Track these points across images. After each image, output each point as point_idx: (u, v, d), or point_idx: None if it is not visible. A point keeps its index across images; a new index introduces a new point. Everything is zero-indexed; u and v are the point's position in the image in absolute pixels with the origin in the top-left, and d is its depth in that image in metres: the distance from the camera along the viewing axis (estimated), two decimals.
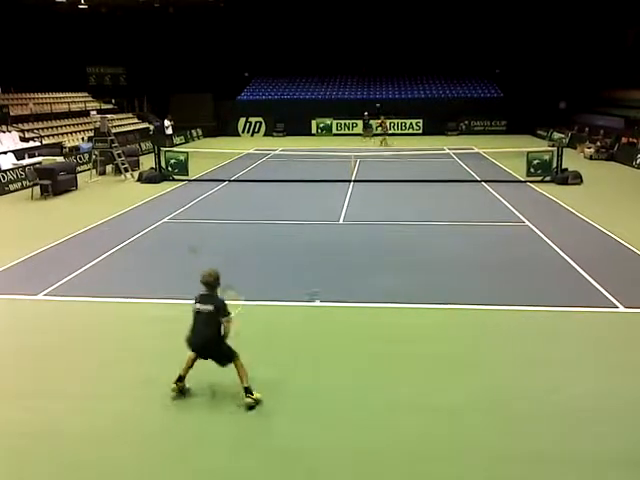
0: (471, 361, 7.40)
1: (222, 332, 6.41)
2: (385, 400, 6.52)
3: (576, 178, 19.68)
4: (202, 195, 18.39)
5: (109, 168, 23.24)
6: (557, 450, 5.60)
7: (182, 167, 21.50)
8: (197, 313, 6.47)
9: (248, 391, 6.40)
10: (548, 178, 19.96)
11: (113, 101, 38.12)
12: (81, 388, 6.85)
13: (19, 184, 20.20)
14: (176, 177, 21.33)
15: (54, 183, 18.80)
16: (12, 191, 19.78)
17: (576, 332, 8.23)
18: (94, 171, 22.66)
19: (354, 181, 20.45)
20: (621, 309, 8.86)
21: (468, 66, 41.26)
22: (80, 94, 36.29)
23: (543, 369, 7.14)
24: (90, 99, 36.51)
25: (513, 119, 38.18)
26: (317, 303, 9.25)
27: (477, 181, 20.43)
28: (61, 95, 34.03)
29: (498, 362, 7.37)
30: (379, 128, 34.09)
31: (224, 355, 6.49)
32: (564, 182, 19.49)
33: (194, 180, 21.26)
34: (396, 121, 38.76)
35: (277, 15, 39.83)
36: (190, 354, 6.56)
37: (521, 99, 37.80)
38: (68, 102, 33.32)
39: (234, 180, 21.40)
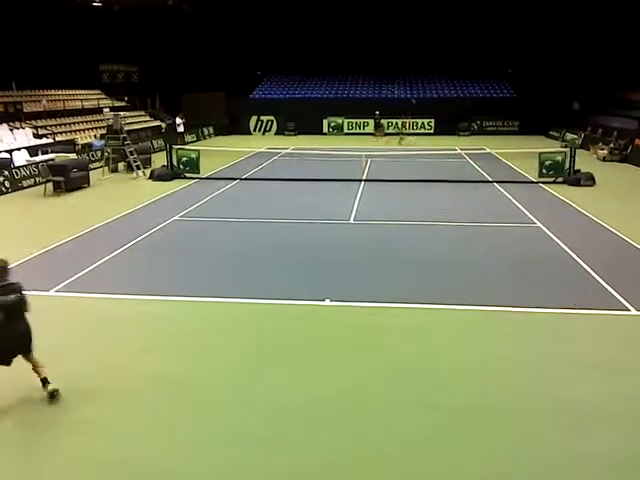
0: (478, 361, 7.37)
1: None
2: (388, 398, 6.51)
3: (589, 180, 19.54)
4: (213, 193, 18.44)
5: (121, 165, 23.37)
6: (563, 451, 5.57)
7: (193, 165, 21.57)
8: (5, 306, 6.03)
9: (45, 382, 6.40)
10: (560, 179, 19.84)
11: (126, 99, 38.33)
12: (93, 384, 6.90)
13: (32, 180, 20.36)
14: (187, 175, 21.41)
15: (67, 180, 18.94)
16: (25, 187, 19.94)
17: (587, 334, 8.17)
18: (106, 168, 22.79)
19: (365, 180, 20.43)
20: (633, 312, 8.79)
21: (480, 66, 41.09)
22: (93, 91, 36.52)
23: (551, 370, 7.10)
24: (103, 96, 36.72)
25: (526, 119, 37.98)
26: (327, 302, 9.26)
27: (489, 182, 20.34)
28: (74, 92, 34.26)
29: (506, 363, 7.34)
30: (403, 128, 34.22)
31: (29, 341, 6.35)
32: (577, 183, 19.36)
33: (205, 178, 21.33)
34: (408, 121, 38.73)
35: (290, 14, 39.83)
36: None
37: (534, 99, 37.60)
38: (81, 99, 33.54)
39: (245, 178, 21.44)
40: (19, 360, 6.46)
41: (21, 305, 6.17)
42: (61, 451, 5.70)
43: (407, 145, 30.83)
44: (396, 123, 34.44)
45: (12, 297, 6.10)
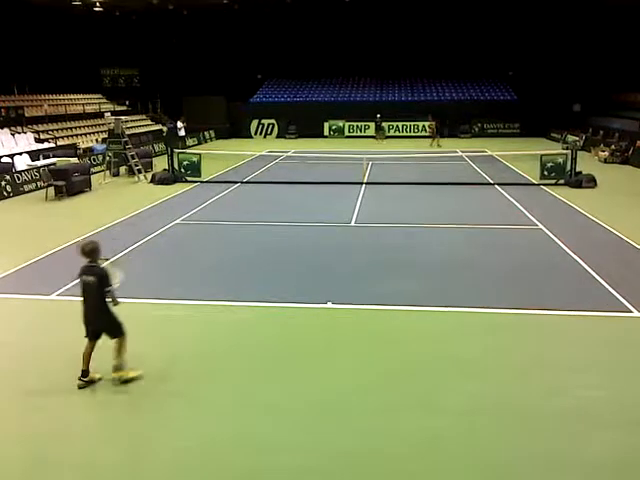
0: (481, 364, 7.36)
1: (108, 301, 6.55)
2: (390, 402, 6.50)
3: (590, 181, 19.53)
4: (215, 197, 18.45)
5: (123, 169, 23.39)
6: (565, 454, 5.55)
7: (195, 169, 21.59)
8: (83, 285, 6.57)
9: (117, 369, 6.71)
10: (562, 181, 19.83)
11: (127, 103, 38.43)
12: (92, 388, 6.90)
13: (34, 185, 20.38)
14: (189, 179, 21.43)
15: (68, 184, 18.95)
16: (27, 192, 19.96)
17: (589, 336, 8.15)
18: (108, 172, 22.81)
19: (366, 183, 20.44)
20: (635, 313, 8.77)
21: (481, 68, 41.14)
22: (94, 96, 36.63)
23: (553, 373, 7.08)
24: (104, 101, 36.83)
25: (527, 122, 38.01)
26: (329, 305, 9.25)
27: (490, 184, 20.34)
28: (76, 97, 34.36)
29: (508, 365, 7.32)
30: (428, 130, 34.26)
31: (114, 328, 6.68)
32: (578, 185, 19.35)
33: (207, 182, 21.34)
34: (409, 124, 38.78)
35: (290, 18, 39.93)
36: (86, 345, 6.72)
37: (535, 102, 37.62)
38: (82, 104, 33.63)
39: (247, 182, 21.45)
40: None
41: (96, 289, 6.50)
42: None
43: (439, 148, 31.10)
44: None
45: (91, 278, 6.51)
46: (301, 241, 13.27)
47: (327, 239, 13.44)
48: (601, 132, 30.57)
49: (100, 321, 6.68)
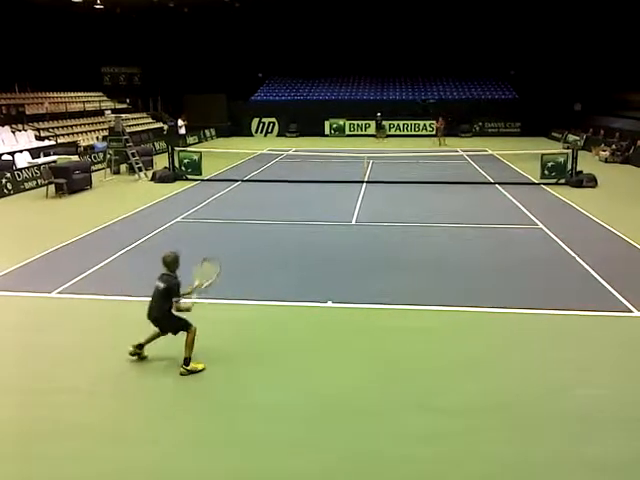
0: (483, 363, 7.37)
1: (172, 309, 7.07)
2: (390, 401, 6.50)
3: (591, 181, 19.53)
4: (215, 195, 18.45)
5: (123, 167, 23.39)
6: (568, 454, 5.56)
7: (195, 167, 21.60)
8: (156, 288, 7.14)
9: (185, 362, 7.07)
10: (562, 181, 19.83)
11: (127, 101, 38.41)
12: (90, 384, 6.90)
13: (34, 182, 20.38)
14: (189, 177, 21.43)
15: (69, 182, 18.94)
16: (27, 189, 19.96)
17: (589, 336, 8.16)
18: (108, 170, 22.82)
19: (367, 182, 20.43)
20: (635, 313, 8.77)
21: (482, 67, 41.13)
22: (95, 94, 36.59)
23: (554, 373, 7.09)
24: (105, 99, 36.79)
25: (527, 121, 37.97)
26: (329, 304, 9.25)
27: (490, 183, 20.33)
28: (76, 94, 34.33)
29: (509, 364, 7.33)
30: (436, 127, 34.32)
31: (174, 328, 7.21)
32: (579, 185, 19.35)
33: (207, 180, 21.34)
34: (409, 122, 38.76)
35: (291, 16, 39.88)
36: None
37: (536, 101, 37.60)
38: (83, 101, 33.61)
39: (247, 180, 21.45)
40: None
41: (161, 295, 7.05)
42: None
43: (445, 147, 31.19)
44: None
45: (161, 285, 7.08)
46: (302, 240, 13.27)
47: (328, 238, 13.44)
48: (602, 131, 30.54)
49: (160, 322, 7.23)
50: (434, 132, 34.13)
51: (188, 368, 7.07)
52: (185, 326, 7.15)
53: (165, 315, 7.11)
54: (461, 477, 5.30)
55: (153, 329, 7.31)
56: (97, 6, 32.18)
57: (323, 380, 7.02)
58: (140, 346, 7.38)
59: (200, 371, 7.12)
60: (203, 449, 5.69)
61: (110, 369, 7.29)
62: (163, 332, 7.31)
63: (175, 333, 7.27)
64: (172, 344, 7.37)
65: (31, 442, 5.84)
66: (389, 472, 5.36)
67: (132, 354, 7.35)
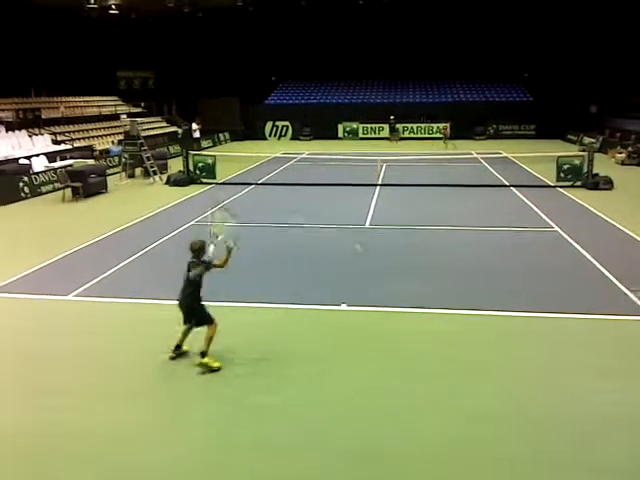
0: (496, 367, 7.31)
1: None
2: (404, 404, 6.47)
3: (607, 183, 19.36)
4: (229, 198, 18.49)
5: (138, 171, 23.56)
6: (582, 459, 5.50)
7: (210, 170, 21.69)
8: (185, 276, 7.33)
9: (202, 355, 7.20)
10: (579, 183, 19.67)
11: (142, 105, 38.67)
12: (109, 388, 6.94)
13: (51, 186, 20.59)
14: (204, 180, 21.52)
15: (85, 185, 19.12)
16: (44, 193, 20.17)
17: (606, 340, 8.06)
18: (123, 174, 22.99)
19: (380, 185, 20.40)
20: None
21: (496, 70, 40.92)
22: (110, 98, 36.90)
23: (570, 378, 7.01)
24: (120, 103, 37.08)
25: (542, 123, 37.75)
26: (344, 307, 9.24)
27: (505, 186, 20.21)
28: (92, 99, 34.63)
29: (524, 369, 7.26)
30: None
31: (198, 318, 7.35)
32: (595, 187, 19.18)
33: (221, 183, 21.42)
34: (423, 125, 38.70)
35: (304, 20, 39.95)
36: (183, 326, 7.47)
37: (551, 103, 37.35)
38: (99, 106, 33.88)
39: (261, 183, 21.50)
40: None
41: (191, 282, 7.26)
42: None
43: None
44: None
45: (192, 273, 7.26)
46: (315, 243, 13.27)
47: (341, 241, 13.43)
48: (618, 134, 30.27)
49: (188, 310, 7.35)
50: (444, 135, 34.34)
51: (204, 361, 7.17)
52: (208, 320, 7.29)
53: (193, 304, 7.29)
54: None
55: (181, 329, 7.49)
56: (112, 11, 32.49)
57: (337, 383, 6.98)
58: (178, 347, 7.57)
59: (214, 370, 7.17)
60: (220, 452, 5.70)
61: (127, 372, 7.32)
62: (189, 322, 7.43)
63: (197, 325, 7.41)
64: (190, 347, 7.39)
65: (45, 445, 5.88)
66: (401, 474, 5.33)
67: (173, 358, 7.52)
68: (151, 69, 42.74)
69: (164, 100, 41.19)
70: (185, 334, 7.54)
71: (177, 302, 7.37)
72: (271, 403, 6.53)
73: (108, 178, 21.18)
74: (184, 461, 5.57)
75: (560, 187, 19.58)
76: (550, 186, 19.99)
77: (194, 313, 7.34)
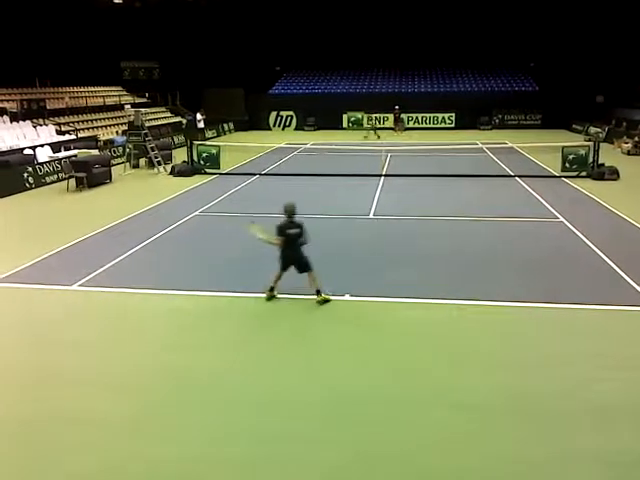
0: (499, 358, 7.31)
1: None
2: (408, 396, 6.49)
3: (613, 174, 19.25)
4: (233, 188, 18.50)
5: (142, 161, 23.55)
6: (588, 448, 5.51)
7: (214, 160, 21.67)
8: (287, 235, 8.74)
9: (318, 292, 8.83)
10: (584, 173, 19.57)
11: (147, 95, 38.61)
12: (115, 377, 6.97)
13: (55, 176, 20.62)
14: (208, 170, 21.50)
15: (89, 176, 19.14)
16: (48, 183, 20.20)
17: (610, 330, 8.05)
18: (128, 164, 22.99)
19: (384, 175, 20.35)
20: None
21: (502, 59, 40.65)
22: (114, 88, 36.86)
23: (573, 367, 7.01)
24: (124, 93, 37.04)
25: (548, 113, 37.50)
26: (347, 297, 9.24)
27: (510, 176, 20.13)
28: (96, 89, 34.61)
29: (528, 360, 7.25)
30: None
31: (304, 265, 8.84)
32: (600, 177, 19.08)
33: (226, 174, 21.41)
34: (428, 115, 38.56)
35: (309, 9, 39.75)
36: (277, 274, 8.92)
37: (556, 92, 37.09)
38: (103, 96, 33.84)
39: (265, 174, 21.48)
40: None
41: (297, 238, 8.78)
42: None
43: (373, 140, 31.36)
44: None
45: (292, 231, 8.75)
46: (319, 233, 13.15)
47: (346, 231, 13.42)
48: (624, 124, 30.05)
49: (296, 259, 8.83)
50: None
51: (323, 296, 8.81)
52: (309, 266, 8.81)
53: (300, 253, 8.79)
54: (478, 473, 5.26)
55: (274, 273, 8.90)
56: (116, 1, 32.39)
57: (340, 373, 7.00)
58: (272, 289, 8.96)
59: (328, 301, 8.82)
60: (218, 444, 5.73)
61: (134, 363, 7.36)
62: (286, 270, 8.85)
63: (301, 271, 8.82)
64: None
65: (57, 431, 5.93)
66: (404, 466, 5.36)
67: (269, 298, 8.98)
68: (155, 59, 42.62)
69: (168, 90, 41.09)
70: (278, 279, 8.89)
71: (283, 265, 8.85)
72: (282, 399, 6.54)
73: (112, 168, 21.19)
74: (192, 455, 5.60)
75: (565, 177, 19.49)
76: (555, 176, 19.90)
77: (302, 261, 8.77)
